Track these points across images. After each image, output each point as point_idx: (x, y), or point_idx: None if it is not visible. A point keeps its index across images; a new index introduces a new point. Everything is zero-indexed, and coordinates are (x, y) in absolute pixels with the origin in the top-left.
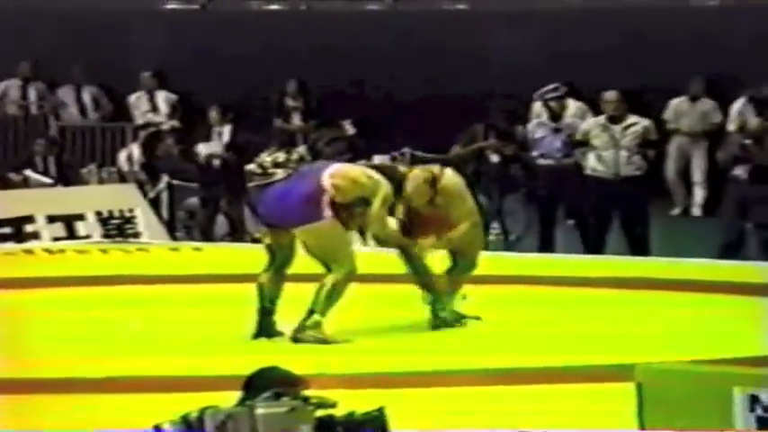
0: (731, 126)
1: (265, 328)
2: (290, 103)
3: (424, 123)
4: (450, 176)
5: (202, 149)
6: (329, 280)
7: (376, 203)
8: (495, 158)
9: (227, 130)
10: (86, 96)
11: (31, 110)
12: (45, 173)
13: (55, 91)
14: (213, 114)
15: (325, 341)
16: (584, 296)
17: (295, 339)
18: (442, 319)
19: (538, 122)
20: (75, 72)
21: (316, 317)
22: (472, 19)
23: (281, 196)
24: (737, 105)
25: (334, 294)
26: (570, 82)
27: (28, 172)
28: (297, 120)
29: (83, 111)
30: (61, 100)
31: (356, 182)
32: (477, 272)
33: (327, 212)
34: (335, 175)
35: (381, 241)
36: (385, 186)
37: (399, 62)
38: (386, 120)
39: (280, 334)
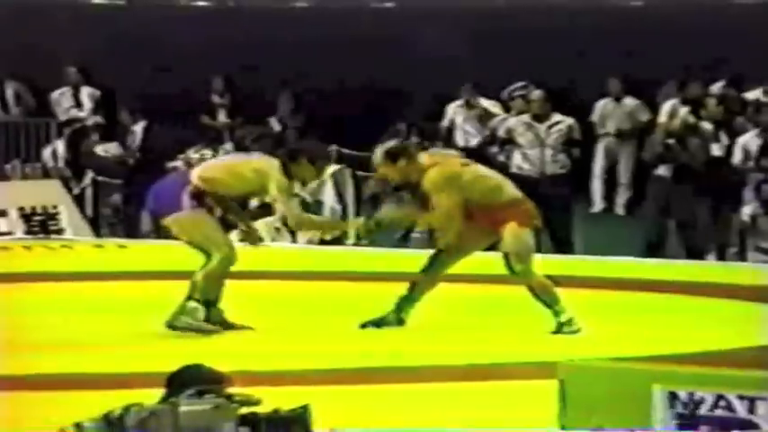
0: (660, 125)
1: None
2: (215, 99)
3: (352, 120)
4: (430, 175)
5: (102, 150)
6: (205, 267)
7: (272, 194)
8: None
9: (139, 129)
10: (8, 91)
11: None
12: None
13: None
14: (123, 115)
15: (200, 329)
16: (516, 294)
17: (170, 326)
18: (395, 318)
19: (501, 119)
20: None
21: (191, 303)
22: (399, 16)
23: (157, 189)
24: (668, 105)
25: (210, 281)
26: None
27: None
28: (222, 116)
29: (4, 106)
30: None
31: (238, 175)
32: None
33: (187, 203)
34: (211, 168)
35: (300, 227)
36: (275, 176)
37: (327, 59)
38: (313, 116)
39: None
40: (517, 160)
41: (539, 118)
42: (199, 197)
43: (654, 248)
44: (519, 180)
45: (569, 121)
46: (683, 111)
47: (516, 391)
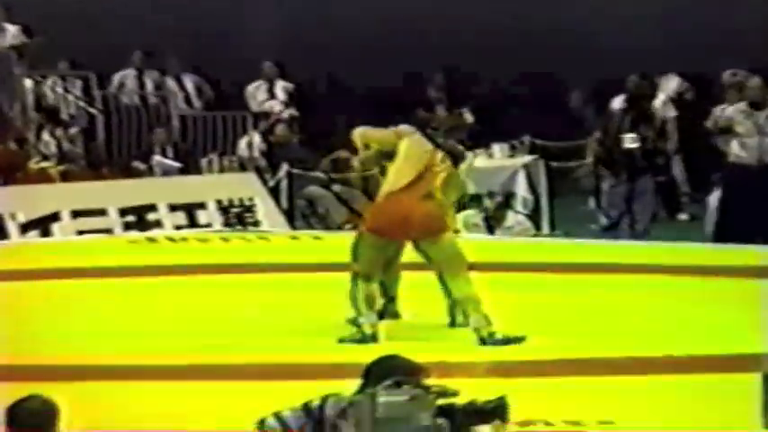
0: None
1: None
2: (433, 93)
3: (545, 111)
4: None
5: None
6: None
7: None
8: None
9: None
10: (188, 85)
11: (149, 99)
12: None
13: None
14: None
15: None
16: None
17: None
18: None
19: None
20: (171, 62)
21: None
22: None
23: None
24: None
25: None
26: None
27: (157, 158)
28: (441, 111)
29: (187, 99)
30: (172, 89)
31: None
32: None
33: None
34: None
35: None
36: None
37: (517, 51)
38: (505, 108)
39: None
40: (735, 149)
41: (756, 106)
42: None
43: None
44: (737, 168)
45: None
46: None
47: (714, 385)
